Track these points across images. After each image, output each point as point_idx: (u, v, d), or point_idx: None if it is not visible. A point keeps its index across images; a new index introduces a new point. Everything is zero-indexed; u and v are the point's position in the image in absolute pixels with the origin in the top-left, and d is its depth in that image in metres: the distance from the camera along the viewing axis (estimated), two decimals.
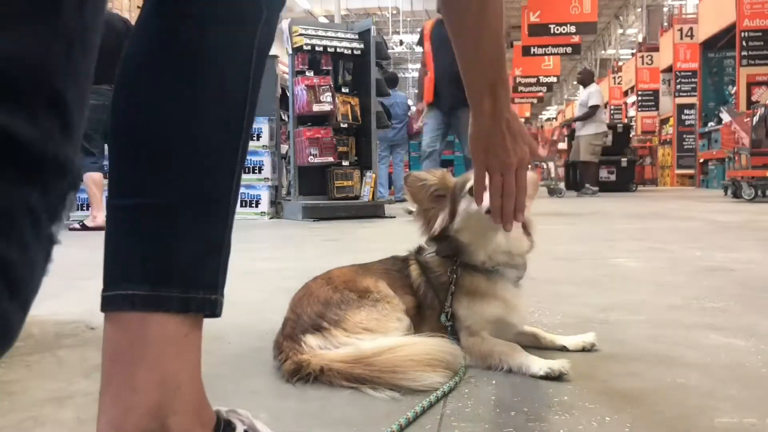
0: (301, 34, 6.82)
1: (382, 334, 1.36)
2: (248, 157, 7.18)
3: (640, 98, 22.03)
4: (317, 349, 1.35)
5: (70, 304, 2.24)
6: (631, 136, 16.33)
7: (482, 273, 1.49)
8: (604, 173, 13.52)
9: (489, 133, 1.21)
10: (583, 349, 1.54)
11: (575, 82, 11.67)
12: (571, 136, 12.04)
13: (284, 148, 7.85)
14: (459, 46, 1.18)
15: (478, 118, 1.22)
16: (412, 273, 1.56)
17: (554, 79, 26.74)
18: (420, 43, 6.45)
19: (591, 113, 10.62)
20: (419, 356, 1.28)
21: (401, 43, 29.53)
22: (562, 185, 11.65)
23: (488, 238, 1.45)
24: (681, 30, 17.57)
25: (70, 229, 5.67)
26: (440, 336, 1.39)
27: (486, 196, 1.28)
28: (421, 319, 1.50)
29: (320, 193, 7.09)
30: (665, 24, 20.78)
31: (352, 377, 1.27)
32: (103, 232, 0.82)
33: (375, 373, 1.25)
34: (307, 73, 6.85)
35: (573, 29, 18.06)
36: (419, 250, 1.61)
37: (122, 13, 13.13)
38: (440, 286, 1.51)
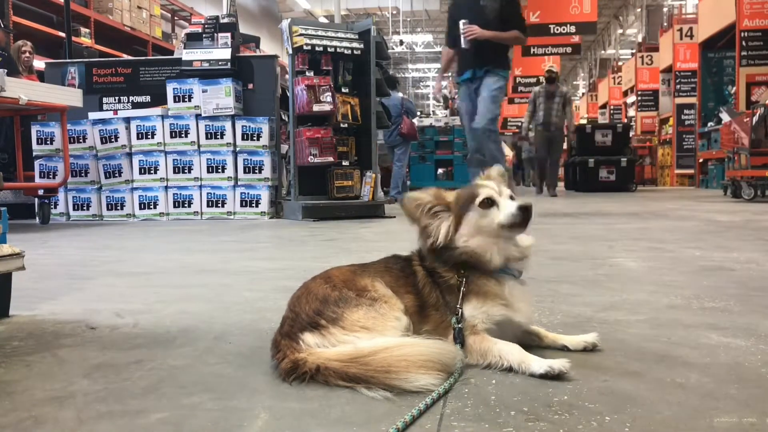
0: (301, 34, 6.81)
1: (379, 333, 1.35)
2: (248, 157, 7.22)
3: (639, 98, 22.06)
4: (315, 347, 1.35)
5: (70, 304, 2.22)
6: (630, 136, 16.34)
7: (491, 275, 1.50)
8: (603, 173, 13.53)
9: None
10: (585, 349, 1.54)
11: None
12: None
13: (284, 148, 7.85)
14: None
15: None
16: (418, 273, 1.55)
17: None
18: None
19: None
20: (414, 357, 1.28)
21: (401, 43, 29.51)
22: None
23: (501, 246, 1.50)
24: (681, 30, 17.59)
25: None
26: (439, 338, 1.39)
27: (506, 208, 1.46)
28: (422, 319, 1.49)
29: (320, 193, 7.09)
30: (665, 24, 20.79)
31: (348, 377, 1.26)
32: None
33: (370, 373, 1.25)
34: (307, 73, 6.85)
35: (573, 29, 18.05)
36: (422, 255, 1.60)
37: (122, 13, 12.60)
38: (448, 288, 1.50)
